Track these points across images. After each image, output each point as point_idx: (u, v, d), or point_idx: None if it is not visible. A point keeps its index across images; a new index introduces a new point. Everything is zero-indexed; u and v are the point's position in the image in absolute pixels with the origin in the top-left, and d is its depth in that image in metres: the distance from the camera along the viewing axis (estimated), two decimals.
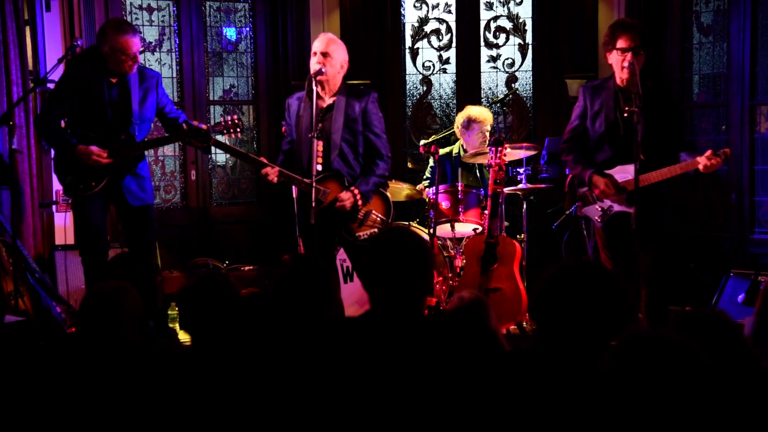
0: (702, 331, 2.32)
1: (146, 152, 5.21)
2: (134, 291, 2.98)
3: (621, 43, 4.59)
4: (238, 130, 4.94)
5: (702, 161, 4.46)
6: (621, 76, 4.64)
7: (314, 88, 4.62)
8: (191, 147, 6.60)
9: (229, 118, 4.96)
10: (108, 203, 5.09)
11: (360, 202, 4.71)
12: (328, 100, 4.77)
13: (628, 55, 4.55)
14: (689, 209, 6.62)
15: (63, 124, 5.03)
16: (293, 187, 4.87)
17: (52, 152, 5.59)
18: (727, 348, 2.31)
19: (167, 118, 5.13)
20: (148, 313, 3.63)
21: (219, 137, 4.94)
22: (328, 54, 4.70)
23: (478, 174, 6.26)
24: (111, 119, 4.91)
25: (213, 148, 6.43)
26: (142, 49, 6.06)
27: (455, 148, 6.32)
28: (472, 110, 6.26)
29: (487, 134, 6.17)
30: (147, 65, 6.78)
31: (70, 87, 4.91)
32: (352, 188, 4.70)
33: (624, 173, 4.63)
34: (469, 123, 6.18)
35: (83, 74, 4.90)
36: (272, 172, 4.72)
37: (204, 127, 4.79)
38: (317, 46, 4.75)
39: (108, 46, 4.82)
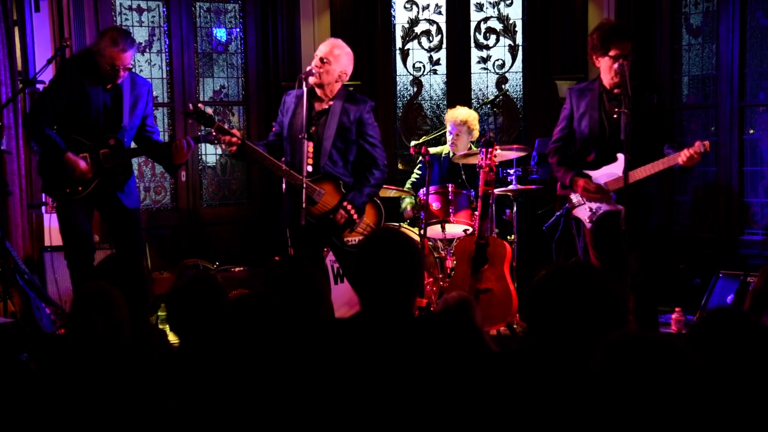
0: (733, 331, 2.31)
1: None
2: (119, 292, 2.98)
3: (614, 52, 4.61)
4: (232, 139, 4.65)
5: (682, 154, 4.49)
6: (612, 80, 4.67)
7: (304, 88, 4.61)
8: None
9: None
10: (92, 207, 5.07)
11: (355, 217, 4.69)
12: (324, 104, 4.75)
13: (620, 61, 4.58)
14: (679, 210, 6.64)
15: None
16: (283, 183, 4.81)
17: (34, 149, 5.59)
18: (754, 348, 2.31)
19: (144, 129, 5.11)
20: (139, 313, 3.62)
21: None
22: (327, 60, 4.69)
23: (464, 176, 6.24)
24: (102, 125, 4.90)
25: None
26: None
27: (445, 149, 6.32)
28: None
29: (449, 134, 6.21)
30: (137, 66, 6.77)
31: (64, 88, 4.87)
32: (346, 204, 4.67)
33: (610, 173, 4.66)
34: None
35: (79, 77, 4.87)
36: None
37: (209, 111, 4.76)
38: (320, 49, 4.76)
39: (103, 59, 4.82)
